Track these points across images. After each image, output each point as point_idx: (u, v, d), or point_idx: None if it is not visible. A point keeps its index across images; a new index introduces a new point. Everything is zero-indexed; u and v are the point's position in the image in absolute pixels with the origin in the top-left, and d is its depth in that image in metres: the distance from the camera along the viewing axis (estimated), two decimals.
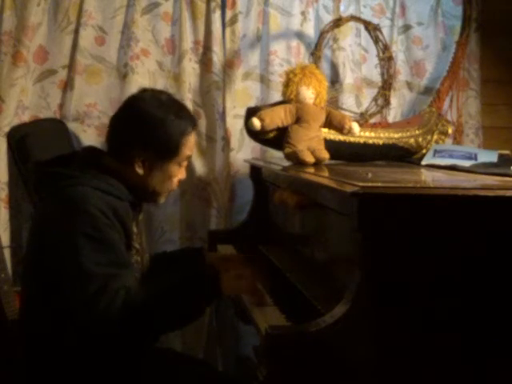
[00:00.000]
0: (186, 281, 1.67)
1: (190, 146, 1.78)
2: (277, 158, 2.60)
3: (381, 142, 2.57)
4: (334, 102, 2.85)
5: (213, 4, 2.83)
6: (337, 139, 2.46)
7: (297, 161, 2.20)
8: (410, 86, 3.05)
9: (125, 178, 1.73)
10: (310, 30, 2.93)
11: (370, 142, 2.56)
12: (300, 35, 2.93)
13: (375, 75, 2.93)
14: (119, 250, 1.63)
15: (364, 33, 2.89)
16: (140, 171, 1.73)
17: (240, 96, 2.88)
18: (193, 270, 1.84)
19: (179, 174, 1.80)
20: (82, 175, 1.67)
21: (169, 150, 1.73)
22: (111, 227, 1.63)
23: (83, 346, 1.65)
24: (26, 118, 2.72)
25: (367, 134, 2.56)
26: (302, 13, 2.92)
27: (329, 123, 2.31)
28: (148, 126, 1.71)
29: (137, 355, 1.75)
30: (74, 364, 1.66)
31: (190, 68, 2.86)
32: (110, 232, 1.62)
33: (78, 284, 1.56)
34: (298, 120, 2.25)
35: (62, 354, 1.67)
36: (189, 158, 1.81)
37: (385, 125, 2.73)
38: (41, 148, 2.49)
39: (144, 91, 1.81)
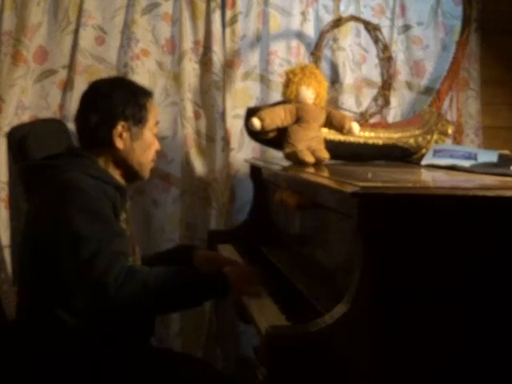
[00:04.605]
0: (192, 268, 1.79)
1: (155, 112, 1.91)
2: (277, 158, 2.60)
3: (381, 142, 2.57)
4: (333, 101, 2.85)
5: (213, 4, 2.83)
6: (337, 139, 2.46)
7: (297, 161, 2.20)
8: (409, 85, 3.04)
9: (107, 162, 1.82)
10: (310, 30, 2.93)
11: (370, 142, 2.55)
12: (300, 35, 2.93)
13: (375, 75, 2.93)
14: (112, 220, 1.70)
15: (364, 33, 2.89)
16: (121, 145, 1.81)
17: (240, 96, 2.88)
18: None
19: (154, 142, 1.90)
20: (71, 164, 1.76)
21: (140, 116, 1.84)
22: (103, 202, 1.69)
23: (83, 342, 1.67)
24: (25, 117, 2.72)
25: (367, 134, 2.56)
26: (302, 13, 2.92)
27: (329, 123, 2.31)
28: (112, 103, 1.82)
29: (136, 354, 1.76)
30: (73, 362, 1.67)
31: (190, 68, 2.86)
32: (101, 205, 1.69)
33: (72, 250, 1.60)
34: (298, 120, 2.25)
35: (61, 351, 1.67)
36: (157, 124, 1.92)
37: (385, 125, 2.72)
38: (41, 148, 2.48)
39: (94, 83, 1.92)
